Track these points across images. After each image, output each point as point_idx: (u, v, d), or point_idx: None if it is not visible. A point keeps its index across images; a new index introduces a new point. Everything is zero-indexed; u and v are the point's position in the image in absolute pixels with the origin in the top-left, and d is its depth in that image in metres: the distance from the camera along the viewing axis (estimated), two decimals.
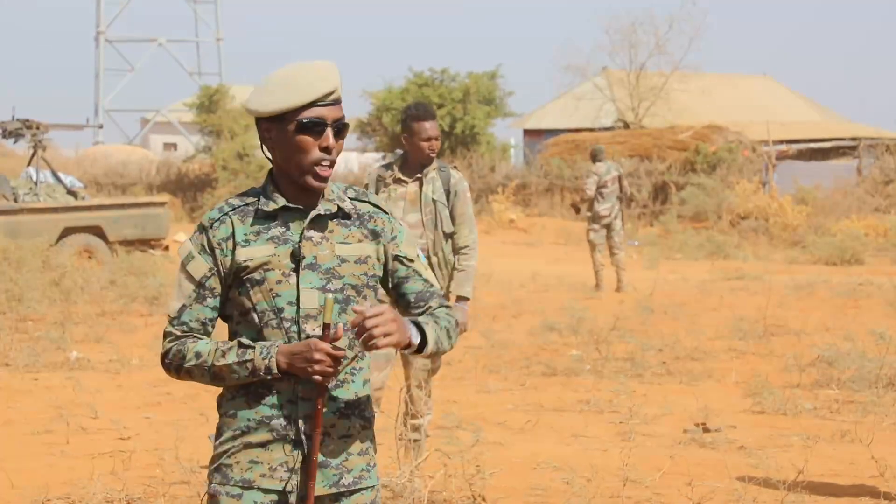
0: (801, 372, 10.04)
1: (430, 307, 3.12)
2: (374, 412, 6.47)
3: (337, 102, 3.03)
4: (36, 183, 17.07)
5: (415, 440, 6.49)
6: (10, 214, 16.15)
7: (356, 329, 2.90)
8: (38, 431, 8.07)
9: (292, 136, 3.00)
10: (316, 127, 3.00)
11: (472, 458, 6.24)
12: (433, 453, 6.39)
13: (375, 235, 3.11)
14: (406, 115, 6.52)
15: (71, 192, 17.45)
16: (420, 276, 3.14)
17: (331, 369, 2.95)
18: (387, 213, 3.16)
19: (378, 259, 3.11)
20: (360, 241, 3.09)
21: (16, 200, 16.60)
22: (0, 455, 7.35)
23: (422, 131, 6.41)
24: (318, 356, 2.93)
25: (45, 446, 7.68)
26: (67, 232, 16.66)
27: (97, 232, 16.93)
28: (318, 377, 2.95)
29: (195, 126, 37.26)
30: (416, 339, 3.00)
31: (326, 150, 3.01)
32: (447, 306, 3.15)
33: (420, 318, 3.05)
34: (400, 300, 3.14)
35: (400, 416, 6.51)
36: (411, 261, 3.14)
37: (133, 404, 9.07)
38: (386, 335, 2.88)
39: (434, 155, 6.48)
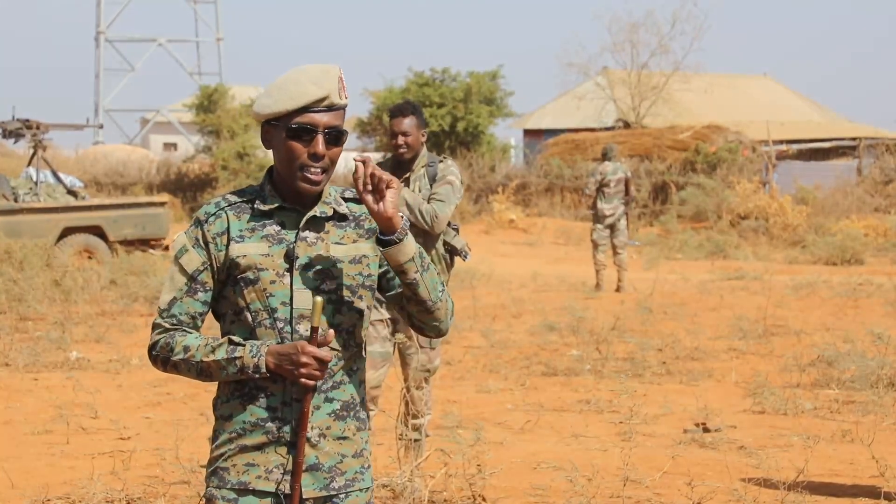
0: (801, 372, 10.04)
1: None
2: (373, 410, 6.50)
3: (332, 109, 3.02)
4: (36, 183, 17.07)
5: (415, 440, 6.49)
6: (10, 214, 16.15)
7: (371, 178, 2.93)
8: (38, 431, 8.07)
9: (284, 140, 3.01)
10: (305, 133, 3.00)
11: (473, 457, 6.25)
12: (434, 453, 6.40)
13: (373, 233, 3.12)
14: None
15: (71, 192, 17.46)
16: None
17: (318, 373, 2.95)
18: None
19: (376, 255, 3.11)
20: (354, 241, 3.09)
21: (16, 200, 16.60)
22: (0, 455, 7.35)
23: (391, 126, 6.40)
24: (305, 359, 2.94)
25: (45, 446, 7.68)
26: (67, 232, 16.66)
27: (97, 232, 16.93)
28: (303, 380, 2.95)
29: (195, 126, 37.27)
30: (403, 227, 2.98)
31: (315, 156, 3.01)
32: None
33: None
34: (389, 287, 3.13)
35: (400, 415, 6.50)
36: None
37: (133, 404, 9.07)
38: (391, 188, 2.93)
39: (405, 151, 6.34)
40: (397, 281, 3.11)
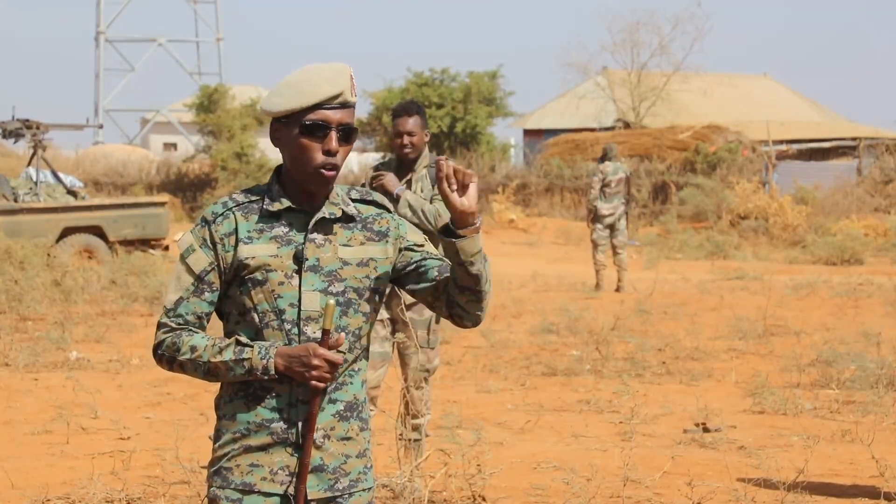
0: (801, 372, 10.03)
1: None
2: (372, 411, 6.50)
3: (345, 106, 3.02)
4: (36, 183, 17.07)
5: (415, 440, 6.49)
6: (10, 214, 16.15)
7: (452, 173, 2.93)
8: (38, 431, 8.07)
9: (296, 137, 3.00)
10: (319, 130, 2.99)
11: (473, 457, 6.24)
12: (433, 453, 6.39)
13: (383, 235, 3.10)
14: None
15: (71, 192, 17.45)
16: (435, 255, 3.14)
17: (328, 375, 2.95)
18: (391, 211, 3.16)
19: (387, 258, 3.10)
20: (362, 243, 3.08)
21: (16, 200, 16.60)
22: (0, 455, 7.35)
23: (395, 126, 6.37)
24: (316, 362, 2.93)
25: (45, 446, 7.68)
26: (67, 232, 16.66)
27: (97, 232, 16.93)
28: (314, 382, 2.95)
29: (195, 126, 37.28)
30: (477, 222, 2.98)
31: (329, 153, 3.00)
32: None
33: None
34: (422, 280, 3.10)
35: (400, 416, 6.50)
36: (421, 245, 3.14)
37: (133, 404, 9.07)
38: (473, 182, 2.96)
39: (409, 151, 6.32)
40: (432, 273, 3.08)
